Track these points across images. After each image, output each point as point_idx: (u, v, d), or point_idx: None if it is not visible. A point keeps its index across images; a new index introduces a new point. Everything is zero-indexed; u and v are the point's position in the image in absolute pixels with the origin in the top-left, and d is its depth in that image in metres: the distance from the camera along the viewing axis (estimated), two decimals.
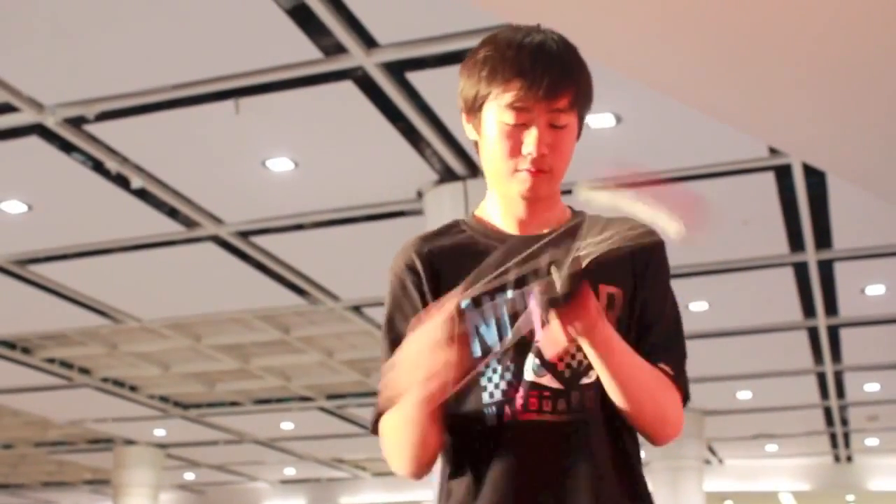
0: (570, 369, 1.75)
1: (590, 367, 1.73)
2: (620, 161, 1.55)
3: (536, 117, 1.75)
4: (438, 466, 1.85)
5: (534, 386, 1.73)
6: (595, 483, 1.73)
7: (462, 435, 1.78)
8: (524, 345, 1.73)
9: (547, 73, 1.73)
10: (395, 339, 1.80)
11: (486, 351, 1.75)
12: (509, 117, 1.75)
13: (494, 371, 1.76)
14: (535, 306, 1.59)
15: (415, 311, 1.80)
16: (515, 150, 1.76)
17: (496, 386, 1.75)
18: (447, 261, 1.83)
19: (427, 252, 1.85)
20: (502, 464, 1.73)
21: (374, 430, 1.84)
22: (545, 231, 1.84)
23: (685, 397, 1.84)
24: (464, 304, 1.74)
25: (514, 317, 1.75)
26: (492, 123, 1.78)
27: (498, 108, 1.76)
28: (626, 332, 1.77)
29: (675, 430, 1.82)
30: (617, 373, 1.69)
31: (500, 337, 1.76)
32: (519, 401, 1.73)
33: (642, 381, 1.73)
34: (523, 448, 1.73)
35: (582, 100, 1.80)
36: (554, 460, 1.72)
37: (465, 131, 1.88)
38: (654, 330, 1.82)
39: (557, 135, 1.77)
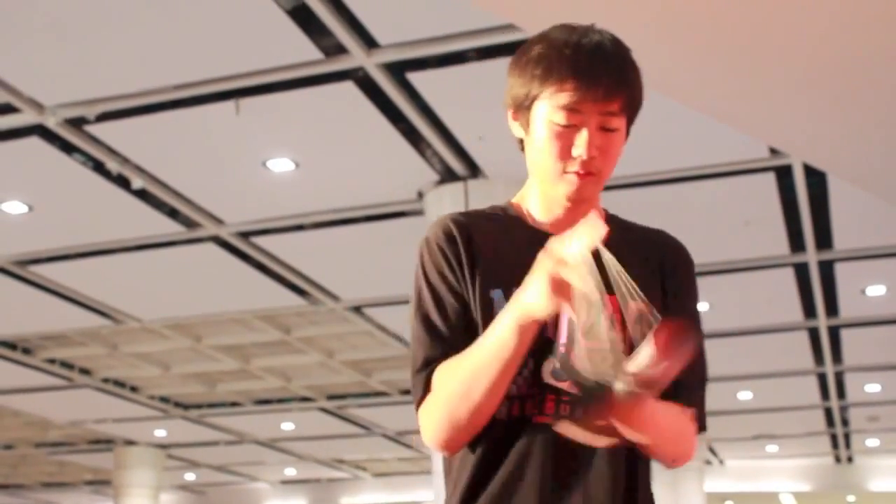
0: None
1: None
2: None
3: (588, 119, 1.72)
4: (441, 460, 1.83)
5: (552, 390, 1.71)
6: (611, 493, 1.72)
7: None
8: (544, 344, 1.69)
9: (603, 75, 1.71)
10: (438, 304, 1.77)
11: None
12: (561, 118, 1.72)
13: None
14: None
15: (453, 280, 1.77)
16: (565, 152, 1.74)
17: (513, 382, 1.71)
18: (485, 241, 1.80)
19: (468, 226, 1.82)
20: (514, 461, 1.71)
21: (425, 385, 1.75)
22: None
23: (702, 428, 1.84)
24: (494, 293, 1.74)
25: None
26: (542, 123, 1.75)
27: (550, 108, 1.73)
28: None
29: (686, 460, 1.83)
30: (646, 435, 1.65)
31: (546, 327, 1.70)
32: (536, 402, 1.71)
33: (667, 433, 1.71)
34: (536, 449, 1.70)
35: (634, 104, 1.79)
36: (569, 467, 1.70)
37: (511, 129, 1.85)
38: (690, 367, 1.73)
39: (608, 138, 1.75)
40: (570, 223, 1.79)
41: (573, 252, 1.52)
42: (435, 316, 1.77)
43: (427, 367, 1.75)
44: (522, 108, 1.79)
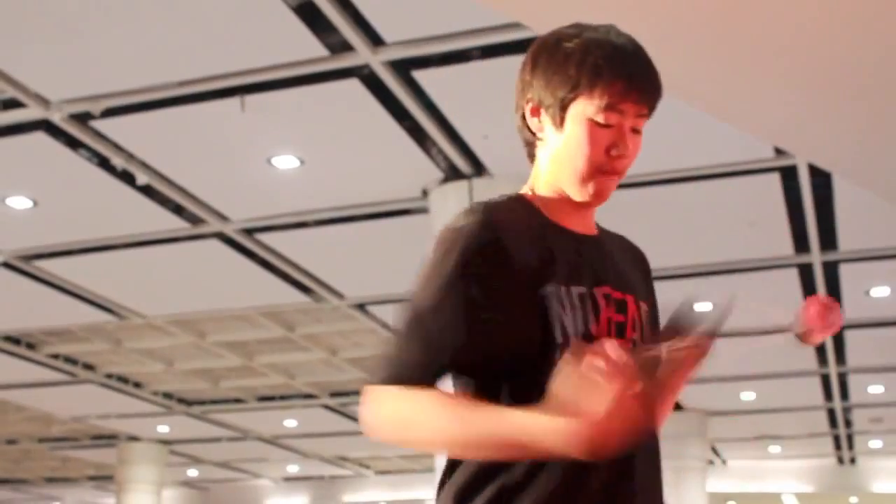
0: None
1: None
2: None
3: (625, 120, 1.75)
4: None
5: None
6: (659, 487, 1.78)
7: None
8: (591, 341, 1.65)
9: (647, 78, 1.76)
10: (443, 302, 1.68)
11: (566, 339, 1.68)
12: (601, 117, 1.73)
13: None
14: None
15: (482, 275, 1.68)
16: (602, 152, 1.75)
17: None
18: (522, 238, 1.74)
19: (503, 220, 1.75)
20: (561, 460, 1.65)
21: (393, 381, 1.68)
22: (594, 233, 1.87)
23: None
24: (548, 288, 1.70)
25: (584, 312, 1.71)
26: (580, 121, 1.75)
27: (591, 107, 1.73)
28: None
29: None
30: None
31: (575, 328, 1.69)
32: None
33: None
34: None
35: (655, 109, 1.82)
36: (622, 463, 1.67)
37: (526, 124, 1.83)
38: None
39: (635, 140, 1.78)
40: (581, 221, 1.84)
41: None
42: (433, 313, 1.68)
43: (401, 367, 1.68)
44: (554, 105, 1.77)
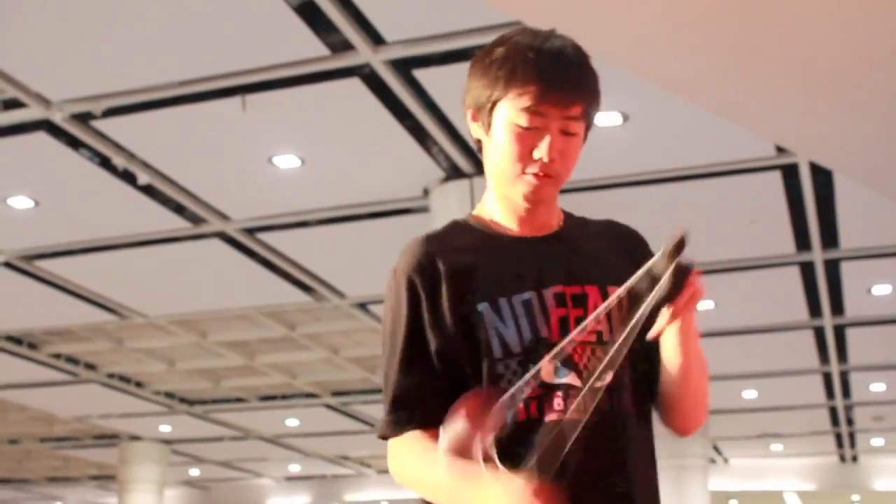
0: (587, 371, 1.74)
1: (606, 369, 1.73)
2: None
3: (550, 123, 1.75)
4: None
5: (558, 387, 1.72)
6: (638, 477, 1.77)
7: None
8: (542, 345, 1.73)
9: (566, 80, 1.75)
10: (411, 340, 1.80)
11: (507, 351, 1.74)
12: (523, 120, 1.75)
13: (514, 373, 1.74)
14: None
15: (426, 311, 1.79)
16: (526, 154, 1.77)
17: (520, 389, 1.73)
18: (456, 261, 1.81)
19: (433, 252, 1.83)
20: (530, 462, 1.69)
21: (388, 435, 1.82)
22: (547, 233, 1.86)
23: None
24: (481, 306, 1.75)
25: (530, 318, 1.75)
26: (503, 125, 1.77)
27: (512, 110, 1.76)
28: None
29: (700, 425, 1.90)
30: (694, 354, 1.74)
31: (520, 337, 1.75)
32: (544, 401, 1.72)
33: (703, 365, 1.80)
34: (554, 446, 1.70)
35: (593, 109, 1.81)
36: (594, 457, 1.71)
37: (471, 129, 1.88)
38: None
39: (568, 141, 1.78)
40: (533, 224, 1.86)
41: None
42: (401, 350, 1.79)
43: (394, 411, 1.79)
44: (483, 109, 1.81)
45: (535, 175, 1.77)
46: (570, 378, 1.72)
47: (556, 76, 1.74)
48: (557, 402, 1.72)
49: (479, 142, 1.87)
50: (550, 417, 1.71)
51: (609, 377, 1.73)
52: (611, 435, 1.74)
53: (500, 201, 1.87)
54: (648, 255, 1.89)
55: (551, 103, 1.74)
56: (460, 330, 1.76)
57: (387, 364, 1.82)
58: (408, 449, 1.77)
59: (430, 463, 1.69)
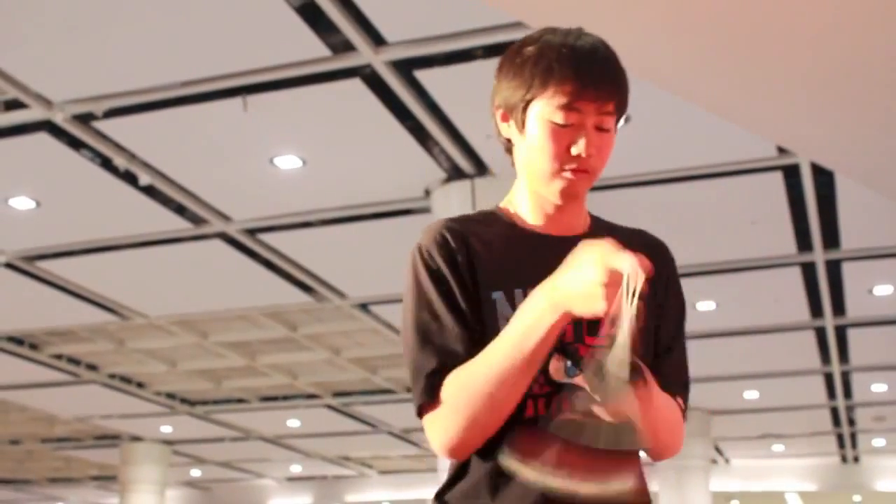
0: None
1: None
2: None
3: (586, 119, 1.75)
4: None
5: (566, 387, 1.71)
6: (633, 480, 1.75)
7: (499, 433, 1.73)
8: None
9: (602, 76, 1.75)
10: (433, 314, 1.76)
11: None
12: (560, 117, 1.75)
13: None
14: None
15: (454, 287, 1.77)
16: (564, 151, 1.76)
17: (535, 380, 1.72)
18: (478, 245, 1.81)
19: (460, 232, 1.83)
20: (532, 459, 1.69)
21: (430, 393, 1.73)
22: (576, 234, 1.85)
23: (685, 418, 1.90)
24: (496, 293, 1.75)
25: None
26: (539, 122, 1.77)
27: (548, 107, 1.75)
28: (645, 345, 1.77)
29: (674, 453, 1.87)
30: (651, 419, 1.69)
31: None
32: (552, 399, 1.72)
33: (667, 421, 1.77)
34: (556, 445, 1.68)
35: (623, 107, 1.82)
36: (590, 458, 1.68)
37: (500, 129, 1.87)
38: (671, 358, 1.86)
39: (603, 138, 1.79)
40: (560, 223, 1.85)
41: (627, 257, 1.54)
42: (433, 322, 1.76)
43: (431, 376, 1.73)
44: (517, 109, 1.81)
45: (573, 171, 1.78)
46: (578, 380, 1.71)
47: (591, 73, 1.74)
48: (565, 403, 1.70)
49: (508, 141, 1.88)
50: (561, 417, 1.70)
51: None
52: (615, 442, 1.74)
53: (530, 199, 1.87)
54: (671, 268, 1.93)
55: (588, 99, 1.74)
56: (474, 313, 1.76)
57: (411, 337, 1.78)
58: (451, 387, 1.71)
59: (485, 354, 1.67)
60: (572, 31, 1.81)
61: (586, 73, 1.74)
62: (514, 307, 1.73)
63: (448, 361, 1.72)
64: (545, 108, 1.76)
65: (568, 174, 1.78)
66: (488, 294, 1.77)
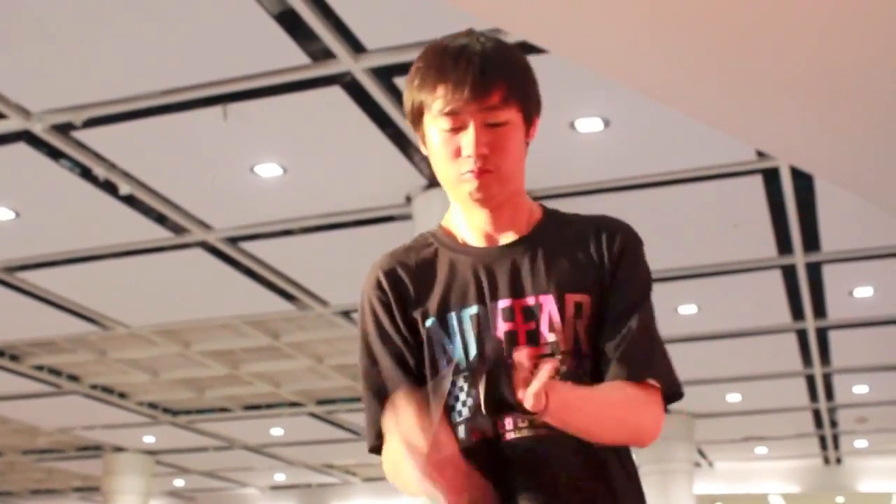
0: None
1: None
2: None
3: (469, 118, 1.74)
4: None
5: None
6: (575, 492, 1.73)
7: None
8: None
9: (468, 72, 1.74)
10: (373, 359, 1.83)
11: (451, 364, 1.76)
12: (444, 123, 1.75)
13: (461, 389, 1.76)
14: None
15: (389, 328, 1.82)
16: (456, 155, 1.76)
17: (464, 404, 1.75)
18: (414, 277, 1.83)
19: (394, 269, 1.85)
20: (497, 480, 1.72)
21: (374, 448, 1.84)
22: (510, 240, 1.84)
23: (674, 395, 1.84)
24: (429, 322, 1.78)
25: (478, 334, 1.76)
26: (432, 132, 1.78)
27: (433, 117, 1.77)
28: (595, 338, 1.77)
29: (652, 436, 1.80)
30: (578, 425, 1.67)
31: (465, 352, 1.75)
32: (500, 424, 1.73)
33: (604, 418, 1.72)
34: (500, 464, 1.72)
35: (517, 94, 1.78)
36: (532, 473, 1.71)
37: (419, 143, 1.89)
38: (628, 336, 1.77)
39: (497, 133, 1.75)
40: (497, 229, 1.84)
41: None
42: (372, 368, 1.82)
43: (375, 424, 1.78)
44: (417, 123, 1.83)
45: (472, 172, 1.75)
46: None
47: (456, 71, 1.74)
48: (509, 420, 1.72)
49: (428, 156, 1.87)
50: (504, 436, 1.72)
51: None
52: (559, 453, 1.73)
53: (462, 210, 1.87)
54: (626, 248, 1.84)
55: (461, 98, 1.73)
56: (415, 345, 1.80)
57: (361, 381, 1.87)
58: (389, 449, 1.74)
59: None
60: (453, 35, 1.84)
61: (451, 73, 1.74)
62: (448, 332, 1.76)
63: (381, 405, 1.74)
64: (432, 119, 1.77)
65: (468, 176, 1.75)
66: (423, 323, 1.79)
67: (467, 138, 1.74)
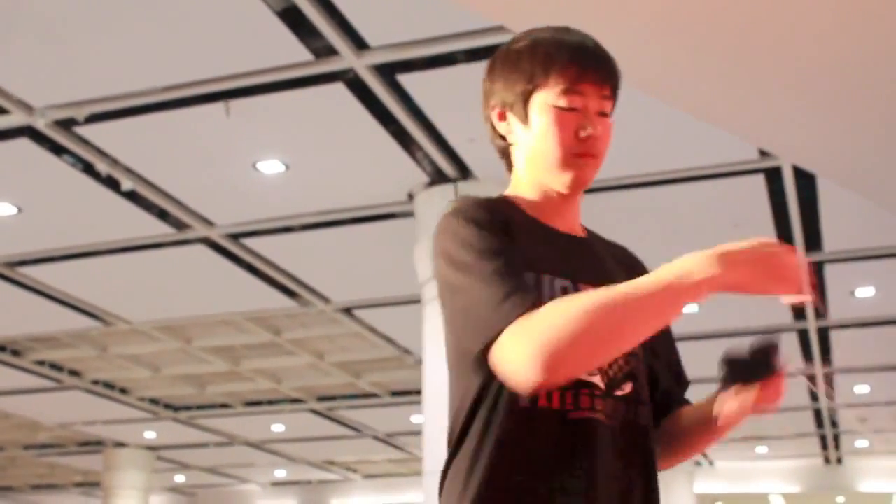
0: (608, 377, 1.71)
1: (627, 378, 1.72)
2: None
3: (589, 102, 1.76)
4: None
5: (584, 384, 1.67)
6: (649, 490, 1.75)
7: (503, 413, 1.64)
8: None
9: (598, 59, 1.78)
10: (502, 248, 1.64)
11: None
12: (564, 102, 1.75)
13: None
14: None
15: (504, 238, 1.67)
16: (571, 135, 1.75)
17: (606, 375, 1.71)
18: (508, 225, 1.72)
19: (493, 207, 1.75)
20: (543, 455, 1.64)
21: (502, 327, 1.54)
22: (580, 235, 1.86)
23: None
24: (527, 275, 1.66)
25: None
26: (544, 110, 1.76)
27: (551, 94, 1.75)
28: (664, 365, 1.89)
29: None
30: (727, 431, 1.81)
31: None
32: (567, 396, 1.65)
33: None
34: (571, 442, 1.65)
35: (618, 93, 1.82)
36: (607, 460, 1.67)
37: (497, 131, 1.84)
38: (677, 362, 1.97)
39: (604, 122, 1.78)
40: (566, 220, 1.83)
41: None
42: (499, 258, 1.63)
43: (517, 297, 1.56)
44: (516, 103, 1.79)
45: (582, 155, 1.76)
46: (596, 379, 1.68)
47: (587, 57, 1.77)
48: (583, 399, 1.67)
49: (504, 142, 1.84)
50: (576, 416, 1.65)
51: (628, 388, 1.71)
52: (632, 446, 1.72)
53: (537, 195, 1.82)
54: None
55: (590, 82, 1.75)
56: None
57: (476, 277, 1.61)
58: (543, 311, 1.54)
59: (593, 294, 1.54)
60: (559, 28, 1.83)
61: (583, 57, 1.76)
62: (540, 293, 1.65)
63: (529, 292, 1.58)
64: (548, 96, 1.76)
65: (578, 159, 1.76)
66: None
67: (587, 119, 1.75)
